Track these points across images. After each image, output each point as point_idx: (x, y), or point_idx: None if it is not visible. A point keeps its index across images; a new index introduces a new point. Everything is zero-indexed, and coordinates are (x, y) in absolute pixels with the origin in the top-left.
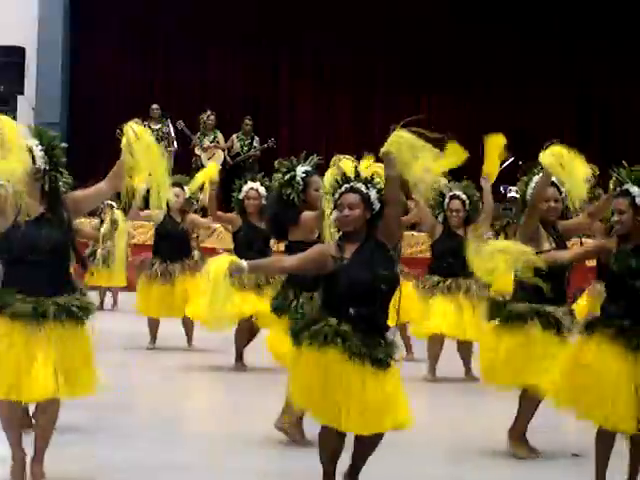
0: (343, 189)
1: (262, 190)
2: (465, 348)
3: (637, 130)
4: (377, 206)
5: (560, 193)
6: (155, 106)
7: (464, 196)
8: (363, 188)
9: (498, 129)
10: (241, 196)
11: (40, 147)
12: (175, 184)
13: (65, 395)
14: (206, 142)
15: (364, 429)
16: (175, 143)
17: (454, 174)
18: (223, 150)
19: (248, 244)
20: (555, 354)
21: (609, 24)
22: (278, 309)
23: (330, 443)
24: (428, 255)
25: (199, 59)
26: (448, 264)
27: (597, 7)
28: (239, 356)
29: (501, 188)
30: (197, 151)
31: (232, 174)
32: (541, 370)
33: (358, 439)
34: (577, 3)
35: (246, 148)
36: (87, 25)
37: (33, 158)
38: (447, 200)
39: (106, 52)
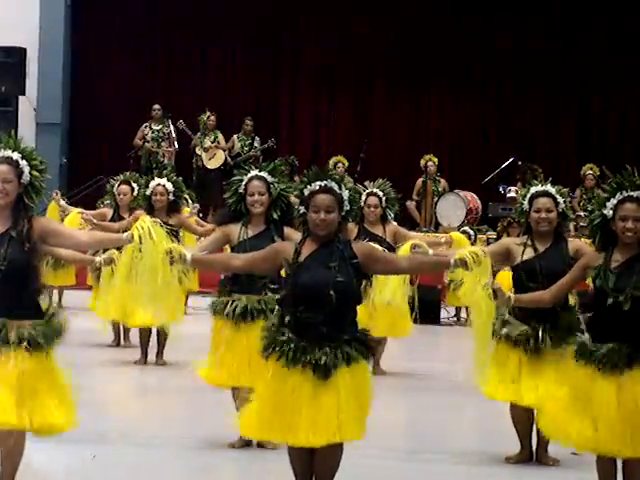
0: (317, 187)
1: (169, 186)
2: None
3: (637, 129)
4: (347, 207)
5: (556, 204)
6: (157, 106)
7: (380, 193)
8: (336, 188)
9: (498, 129)
10: (148, 192)
11: (27, 166)
12: (123, 182)
13: (30, 429)
14: (207, 142)
15: (315, 440)
16: (176, 143)
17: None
18: (224, 150)
19: None
20: None
21: (609, 26)
22: None
23: (295, 462)
24: None
25: (199, 59)
26: None
27: (597, 9)
28: None
29: (500, 188)
30: (198, 151)
31: (233, 175)
32: None
33: (316, 456)
34: (577, 5)
35: (247, 148)
36: (88, 26)
37: (20, 174)
38: (364, 197)
39: (107, 53)
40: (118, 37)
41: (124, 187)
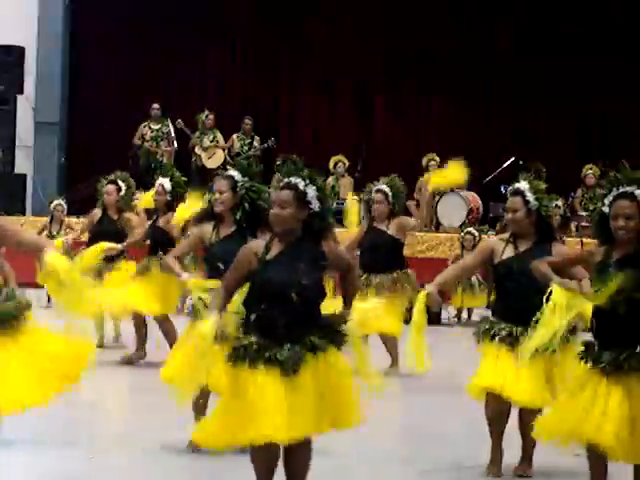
0: (281, 184)
1: (168, 186)
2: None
3: (638, 129)
4: (317, 206)
5: (526, 203)
6: (156, 106)
7: (387, 189)
8: (301, 185)
9: (498, 130)
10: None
11: None
12: (110, 181)
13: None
14: (206, 142)
15: (289, 435)
16: (175, 143)
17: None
18: (223, 150)
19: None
20: None
21: (609, 26)
22: None
23: (261, 465)
24: (429, 255)
25: (199, 59)
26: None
27: (597, 9)
28: None
29: (501, 188)
30: (197, 150)
31: None
32: None
33: (288, 456)
34: (577, 5)
35: (246, 148)
36: (87, 25)
37: None
38: (372, 194)
39: (106, 51)
40: (117, 36)
41: (110, 187)
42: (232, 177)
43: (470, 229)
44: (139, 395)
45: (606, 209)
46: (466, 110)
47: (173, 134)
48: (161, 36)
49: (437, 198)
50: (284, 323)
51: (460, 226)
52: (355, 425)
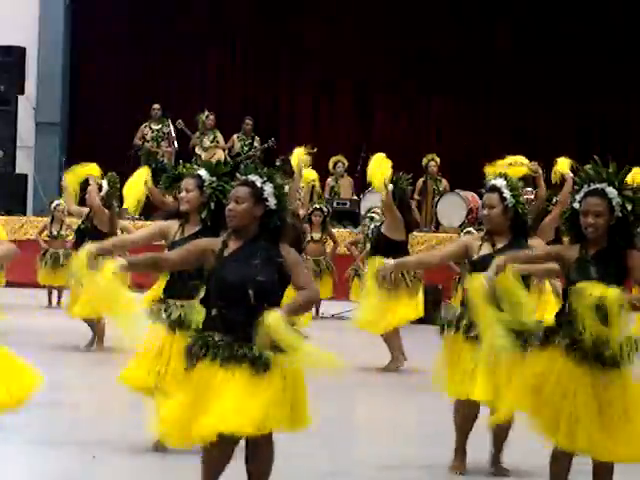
0: (239, 181)
1: None
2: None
3: (638, 129)
4: (273, 203)
5: (503, 200)
6: (156, 106)
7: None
8: (258, 182)
9: (498, 130)
10: None
11: None
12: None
13: None
14: (206, 142)
15: (245, 429)
16: (176, 143)
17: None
18: (223, 150)
19: None
20: None
21: (609, 26)
22: None
23: (211, 462)
24: None
25: (199, 59)
26: None
27: (597, 9)
28: None
29: None
30: (197, 150)
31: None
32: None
33: (251, 454)
34: (577, 5)
35: (247, 148)
36: (88, 25)
37: None
38: None
39: (107, 52)
40: (118, 36)
41: (92, 186)
42: (199, 176)
43: (470, 229)
44: (139, 395)
45: (577, 205)
46: (466, 110)
47: (174, 134)
48: (161, 36)
49: (437, 198)
50: (243, 320)
51: (460, 226)
52: (308, 426)
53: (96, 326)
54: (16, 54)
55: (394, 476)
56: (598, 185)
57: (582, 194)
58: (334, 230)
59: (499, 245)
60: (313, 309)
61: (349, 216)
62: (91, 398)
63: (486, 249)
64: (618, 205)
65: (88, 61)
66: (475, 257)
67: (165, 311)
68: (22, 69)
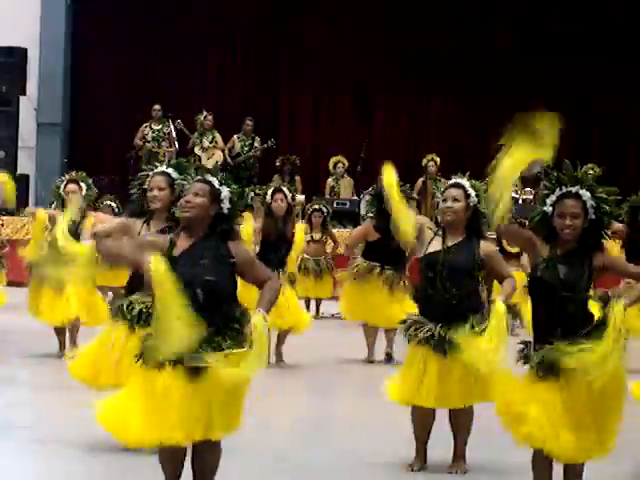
0: (197, 179)
1: None
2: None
3: (639, 129)
4: (227, 207)
5: (467, 197)
6: (157, 107)
7: None
8: (215, 183)
9: (498, 130)
10: None
11: None
12: (71, 180)
13: None
14: (205, 142)
15: (189, 437)
16: (176, 143)
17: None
18: (222, 150)
19: None
20: None
21: (610, 26)
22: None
23: (167, 464)
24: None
25: (199, 59)
26: None
27: (596, 9)
28: None
29: None
30: (197, 151)
31: (233, 175)
32: None
33: (195, 456)
34: (577, 5)
35: (247, 148)
36: (89, 26)
37: None
38: None
39: (108, 52)
40: (118, 37)
41: (71, 186)
42: (169, 174)
43: None
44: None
45: (548, 208)
46: (466, 110)
47: (174, 135)
48: (161, 36)
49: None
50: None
51: None
52: (238, 428)
53: (68, 330)
54: (17, 55)
55: (394, 476)
56: (571, 188)
57: (554, 197)
58: (334, 230)
59: (449, 243)
60: (313, 309)
61: (349, 216)
62: (91, 398)
63: (436, 245)
64: (592, 207)
65: (89, 61)
66: (423, 251)
67: (127, 307)
68: (23, 70)
